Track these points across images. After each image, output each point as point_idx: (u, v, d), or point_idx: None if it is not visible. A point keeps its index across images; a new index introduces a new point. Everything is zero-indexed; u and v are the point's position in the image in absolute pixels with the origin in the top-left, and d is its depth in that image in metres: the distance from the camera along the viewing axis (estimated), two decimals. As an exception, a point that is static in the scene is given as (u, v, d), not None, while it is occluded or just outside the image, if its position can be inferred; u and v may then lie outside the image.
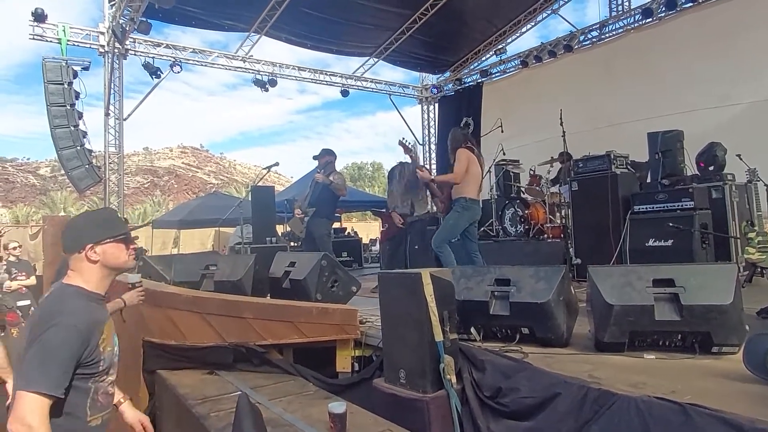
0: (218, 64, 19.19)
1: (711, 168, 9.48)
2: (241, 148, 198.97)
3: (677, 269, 4.46)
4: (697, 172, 9.74)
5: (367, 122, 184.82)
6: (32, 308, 11.51)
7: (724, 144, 9.58)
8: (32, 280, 11.74)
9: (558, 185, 11.54)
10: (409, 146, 8.64)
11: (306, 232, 10.43)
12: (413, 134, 23.86)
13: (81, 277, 2.96)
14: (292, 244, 14.21)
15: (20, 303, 10.88)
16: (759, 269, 7.92)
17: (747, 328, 4.15)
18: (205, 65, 18.99)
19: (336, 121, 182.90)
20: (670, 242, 8.02)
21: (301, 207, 10.56)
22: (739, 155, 9.46)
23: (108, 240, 3.02)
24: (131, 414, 3.36)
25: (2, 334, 6.01)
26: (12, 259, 11.62)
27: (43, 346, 2.63)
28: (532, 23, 19.86)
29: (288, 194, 20.92)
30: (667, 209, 8.39)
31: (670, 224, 7.79)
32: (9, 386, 5.69)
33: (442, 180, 8.76)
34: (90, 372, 2.82)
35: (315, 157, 10.63)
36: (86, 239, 2.97)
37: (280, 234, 15.26)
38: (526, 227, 11.51)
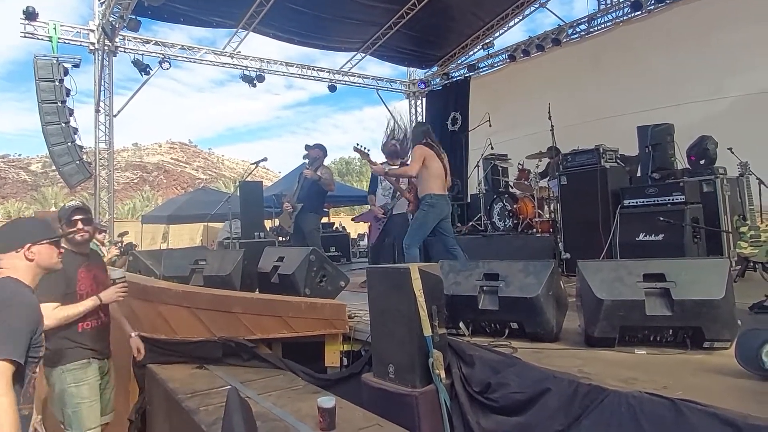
0: (206, 61, 19.18)
1: (702, 162, 9.48)
2: (228, 143, 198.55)
3: (668, 264, 4.43)
4: (687, 166, 9.74)
5: (355, 117, 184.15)
6: None
7: (714, 137, 9.58)
8: None
9: (547, 179, 11.52)
10: (365, 150, 8.59)
11: (294, 227, 10.40)
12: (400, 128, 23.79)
13: (16, 274, 3.25)
14: (280, 239, 14.21)
15: None
16: (751, 264, 7.89)
17: (739, 323, 4.13)
18: (194, 61, 19.04)
19: (323, 117, 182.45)
20: (660, 237, 8.01)
21: (291, 201, 10.52)
22: (730, 149, 9.44)
23: (44, 241, 3.45)
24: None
25: None
26: None
27: (5, 320, 2.92)
28: (520, 17, 19.81)
29: (276, 189, 20.89)
30: (657, 203, 8.37)
31: (661, 218, 7.77)
32: None
33: (395, 173, 8.74)
34: (33, 356, 3.06)
35: (307, 147, 10.58)
36: (27, 239, 3.37)
37: (268, 229, 15.24)
38: (515, 222, 11.48)
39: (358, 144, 8.56)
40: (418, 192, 8.26)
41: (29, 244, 3.36)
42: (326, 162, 10.85)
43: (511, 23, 20.07)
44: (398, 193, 9.15)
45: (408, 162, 8.89)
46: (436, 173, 8.03)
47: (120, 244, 12.58)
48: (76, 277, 4.83)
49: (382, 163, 9.21)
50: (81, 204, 5.38)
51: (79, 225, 4.73)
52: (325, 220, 18.42)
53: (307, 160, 10.55)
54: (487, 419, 4.04)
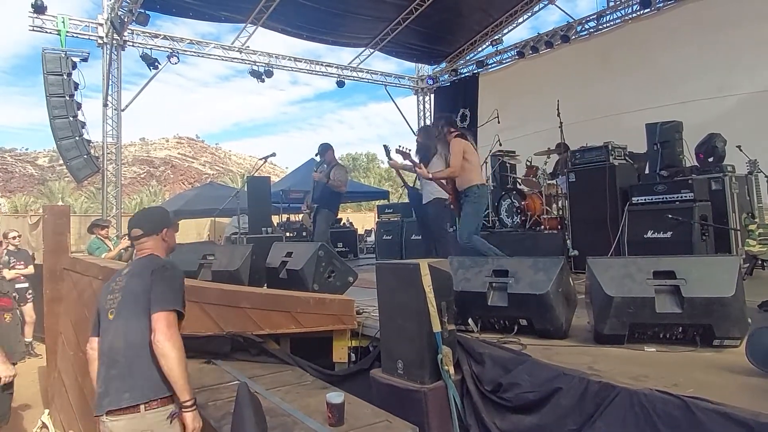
0: (215, 55, 19.16)
1: (711, 159, 9.45)
2: (235, 138, 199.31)
3: (678, 261, 4.42)
4: (696, 164, 9.71)
5: (360, 113, 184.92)
6: (29, 291, 11.53)
7: (723, 135, 9.54)
8: (30, 269, 11.75)
9: (556, 177, 11.48)
10: (407, 151, 8.48)
11: (314, 225, 10.91)
12: (409, 125, 23.85)
13: (158, 252, 3.96)
14: (287, 234, 14.24)
15: (18, 285, 10.88)
16: (760, 262, 7.88)
17: (749, 321, 4.12)
18: (202, 56, 18.96)
19: (329, 112, 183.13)
20: (669, 234, 8.00)
21: (308, 203, 10.90)
22: (739, 146, 9.42)
23: (170, 226, 4.15)
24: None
25: None
26: (11, 248, 11.59)
27: (171, 280, 3.66)
28: (528, 14, 19.74)
29: (283, 185, 20.92)
30: (666, 201, 8.36)
31: (669, 216, 7.76)
32: None
33: (441, 177, 8.45)
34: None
35: (318, 154, 10.86)
36: (164, 224, 4.07)
37: (275, 224, 15.25)
38: (523, 218, 11.45)
39: (400, 146, 8.52)
40: (457, 184, 8.24)
41: (165, 229, 4.05)
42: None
43: (520, 20, 20.00)
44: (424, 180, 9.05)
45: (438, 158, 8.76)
46: (476, 163, 8.18)
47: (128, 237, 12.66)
48: None
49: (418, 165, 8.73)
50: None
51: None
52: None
53: (319, 158, 10.84)
54: (503, 420, 4.04)
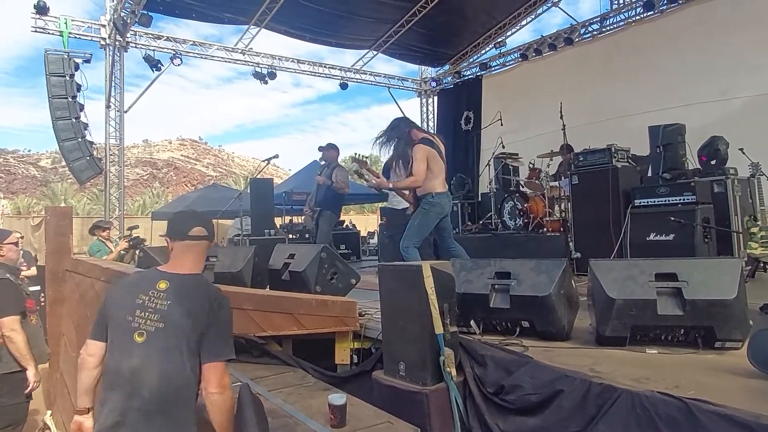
0: (218, 57, 19.15)
1: (713, 162, 9.44)
2: (238, 140, 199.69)
3: (680, 263, 4.44)
4: (698, 166, 9.70)
5: (363, 115, 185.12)
6: (42, 294, 11.55)
7: (726, 138, 9.54)
8: (32, 271, 11.73)
9: (558, 179, 11.49)
10: (363, 159, 8.23)
11: (316, 227, 10.92)
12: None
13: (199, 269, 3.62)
14: (290, 236, 14.25)
15: (32, 288, 10.91)
16: (762, 264, 7.88)
17: (751, 323, 4.12)
18: (205, 58, 18.94)
19: (331, 115, 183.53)
20: (671, 237, 7.99)
21: (310, 205, 11.04)
22: (741, 149, 9.41)
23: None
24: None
25: (23, 321, 6.09)
26: (21, 247, 11.60)
27: (227, 322, 3.42)
28: (532, 16, 19.70)
29: (286, 187, 20.91)
30: (668, 203, 8.36)
31: (672, 218, 7.77)
32: (29, 374, 5.80)
33: (402, 186, 8.01)
34: None
35: (321, 149, 10.82)
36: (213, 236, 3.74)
37: (278, 226, 15.26)
38: (525, 221, 11.46)
39: (356, 154, 8.17)
40: (416, 191, 7.73)
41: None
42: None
43: (523, 22, 19.99)
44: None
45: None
46: (438, 171, 7.54)
47: (129, 237, 12.62)
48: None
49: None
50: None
51: None
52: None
53: (323, 162, 10.80)
54: (505, 422, 4.05)
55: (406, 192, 8.17)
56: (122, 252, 10.94)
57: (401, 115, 8.61)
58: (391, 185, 7.99)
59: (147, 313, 3.24)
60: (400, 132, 7.75)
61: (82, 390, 3.41)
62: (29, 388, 6.00)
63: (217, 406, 3.22)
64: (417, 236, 7.58)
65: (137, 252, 10.67)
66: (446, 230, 7.90)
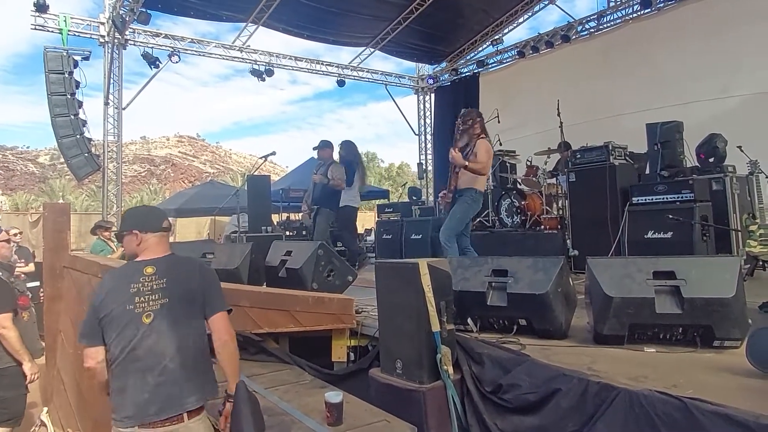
0: (216, 54, 19.20)
1: (711, 160, 9.44)
2: (235, 137, 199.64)
3: (678, 261, 4.42)
4: (697, 164, 9.70)
5: (359, 113, 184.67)
6: (41, 290, 11.51)
7: (724, 135, 9.53)
8: (30, 267, 11.72)
9: (556, 176, 11.47)
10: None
11: (313, 225, 11.01)
12: (409, 124, 23.95)
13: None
14: (287, 233, 14.25)
15: (30, 284, 10.87)
16: (760, 262, 7.87)
17: (750, 322, 4.11)
18: (204, 55, 18.99)
19: (328, 112, 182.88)
20: (669, 234, 7.97)
21: (308, 203, 11.09)
22: (740, 147, 9.41)
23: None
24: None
25: (14, 318, 6.12)
26: (14, 244, 11.58)
27: (215, 281, 3.76)
28: (529, 14, 19.75)
29: (283, 183, 20.95)
30: (666, 201, 8.33)
31: (670, 216, 7.73)
32: (26, 367, 5.85)
33: (472, 169, 7.72)
34: None
35: (315, 149, 10.85)
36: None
37: (275, 223, 15.26)
38: (523, 218, 11.42)
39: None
40: (459, 182, 7.90)
41: None
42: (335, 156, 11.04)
43: (520, 19, 20.03)
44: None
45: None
46: (487, 172, 8.02)
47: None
48: None
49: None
50: None
51: None
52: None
53: (320, 160, 10.82)
54: (503, 420, 4.03)
55: (453, 183, 8.05)
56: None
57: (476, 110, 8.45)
58: (466, 163, 7.76)
59: (146, 297, 3.44)
60: (474, 121, 8.03)
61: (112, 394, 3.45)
62: (28, 381, 6.08)
63: (229, 352, 3.58)
64: (458, 227, 7.81)
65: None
66: (467, 230, 8.11)
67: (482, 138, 7.93)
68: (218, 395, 3.59)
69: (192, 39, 18.62)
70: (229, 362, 3.56)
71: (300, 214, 16.88)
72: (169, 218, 4.00)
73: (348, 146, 11.52)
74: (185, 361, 3.41)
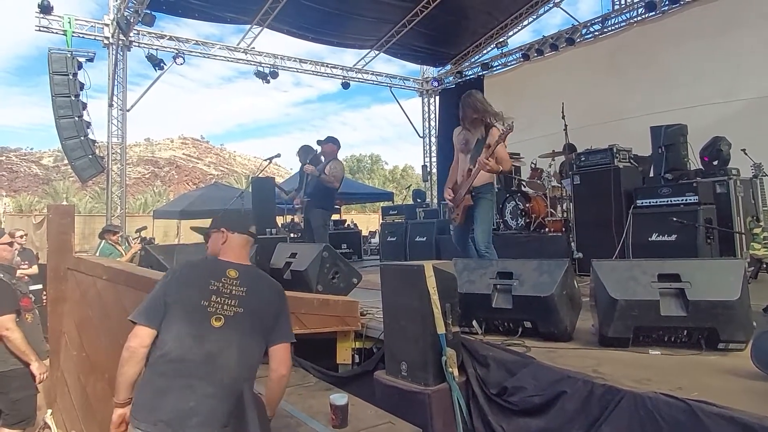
0: (220, 56, 19.32)
1: (715, 163, 9.43)
2: (239, 140, 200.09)
3: (683, 264, 4.41)
4: (701, 167, 9.69)
5: (363, 115, 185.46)
6: (44, 293, 11.53)
7: (728, 138, 9.52)
8: (34, 269, 11.72)
9: (561, 179, 11.46)
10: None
11: (304, 222, 10.91)
12: (413, 126, 24.01)
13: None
14: (291, 234, 14.24)
15: (33, 287, 10.87)
16: (764, 265, 7.86)
17: (754, 324, 4.11)
18: (208, 57, 19.08)
19: (332, 114, 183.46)
20: (673, 237, 7.98)
21: (300, 197, 10.88)
22: (743, 150, 9.40)
23: None
24: None
25: (18, 319, 6.13)
26: (16, 247, 11.58)
27: (288, 308, 3.73)
28: (533, 16, 19.79)
29: (287, 186, 20.86)
30: (670, 204, 8.34)
31: (674, 219, 7.73)
32: (33, 368, 5.89)
33: (496, 169, 7.12)
34: None
35: (319, 142, 10.77)
36: None
37: (279, 225, 15.27)
38: (527, 221, 11.43)
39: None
40: (476, 179, 7.19)
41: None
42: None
43: (525, 22, 20.06)
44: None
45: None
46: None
47: (140, 238, 12.70)
48: None
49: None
50: None
51: None
52: (335, 216, 18.44)
53: (322, 156, 10.73)
54: (509, 423, 4.03)
55: (468, 185, 7.33)
56: (141, 253, 10.99)
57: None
58: (502, 168, 7.27)
59: (223, 299, 3.34)
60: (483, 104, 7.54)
61: (129, 383, 3.21)
62: (38, 380, 6.12)
63: (283, 386, 3.56)
64: (490, 228, 7.42)
65: (141, 252, 10.74)
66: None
67: (494, 128, 7.34)
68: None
69: (196, 41, 18.69)
70: (279, 396, 3.61)
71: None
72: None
73: (305, 151, 11.58)
74: (238, 380, 3.23)
